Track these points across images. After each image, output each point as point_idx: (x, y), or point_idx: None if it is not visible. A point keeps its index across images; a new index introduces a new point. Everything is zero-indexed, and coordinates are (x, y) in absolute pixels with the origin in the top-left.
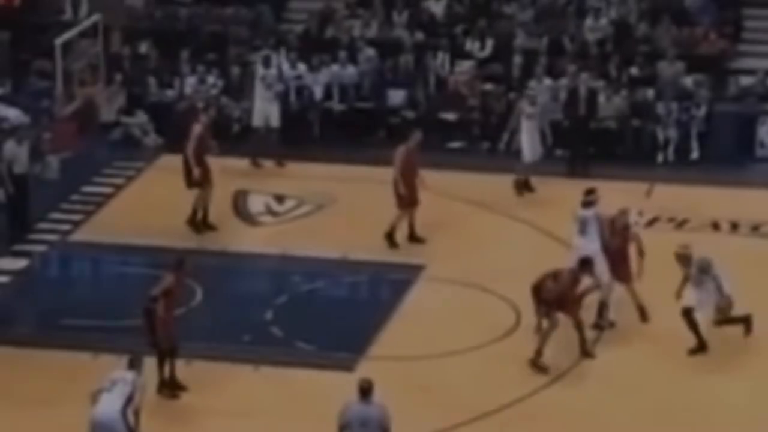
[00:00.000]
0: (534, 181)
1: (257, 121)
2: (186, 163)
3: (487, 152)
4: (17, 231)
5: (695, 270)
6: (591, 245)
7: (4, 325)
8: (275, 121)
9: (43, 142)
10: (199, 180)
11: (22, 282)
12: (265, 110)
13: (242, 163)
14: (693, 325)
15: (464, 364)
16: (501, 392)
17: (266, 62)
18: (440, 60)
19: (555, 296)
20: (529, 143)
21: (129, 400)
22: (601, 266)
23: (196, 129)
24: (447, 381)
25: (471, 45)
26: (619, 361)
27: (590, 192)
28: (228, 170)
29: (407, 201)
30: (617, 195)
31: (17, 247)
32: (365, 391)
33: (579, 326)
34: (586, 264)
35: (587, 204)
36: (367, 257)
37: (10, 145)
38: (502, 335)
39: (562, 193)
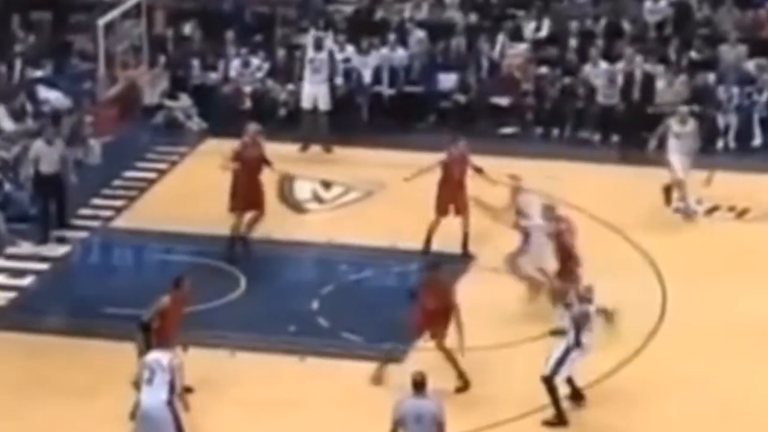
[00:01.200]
0: (586, 168)
1: (305, 103)
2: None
3: (541, 138)
4: (44, 232)
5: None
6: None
7: (44, 314)
8: (324, 104)
9: (85, 126)
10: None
11: (63, 269)
12: (313, 93)
13: (288, 148)
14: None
15: (517, 357)
16: None
17: (317, 45)
18: (497, 43)
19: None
20: (678, 162)
21: (172, 387)
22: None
23: (235, 151)
24: (498, 373)
25: (527, 27)
26: (673, 354)
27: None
28: (273, 155)
29: (436, 208)
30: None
31: (58, 233)
32: (419, 384)
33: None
34: (433, 266)
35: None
36: (417, 246)
37: (38, 145)
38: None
39: (615, 180)
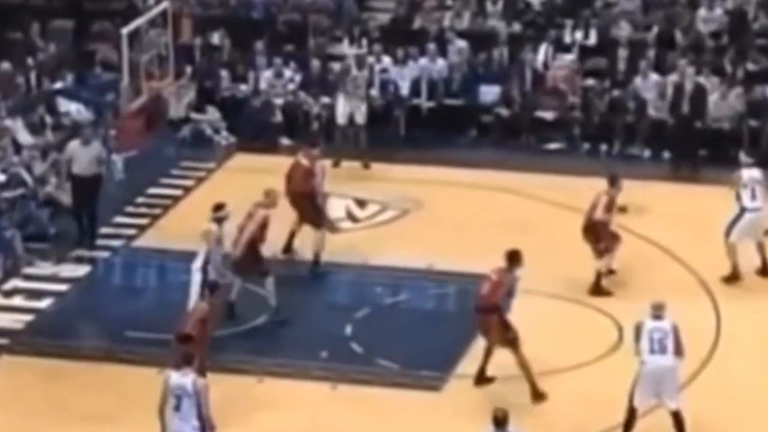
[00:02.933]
0: (635, 185)
1: (341, 119)
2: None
3: (588, 154)
4: (81, 237)
5: None
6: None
7: (64, 338)
8: (361, 117)
9: (108, 139)
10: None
11: (84, 291)
12: (351, 108)
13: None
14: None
15: (562, 384)
16: (604, 414)
17: (360, 63)
18: (541, 53)
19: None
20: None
21: (200, 412)
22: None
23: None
24: (552, 399)
25: (573, 35)
26: (730, 379)
27: (219, 207)
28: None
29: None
30: (729, 200)
31: (78, 253)
32: (500, 421)
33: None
34: None
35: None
36: (456, 267)
37: (73, 144)
38: (604, 353)
39: (665, 198)
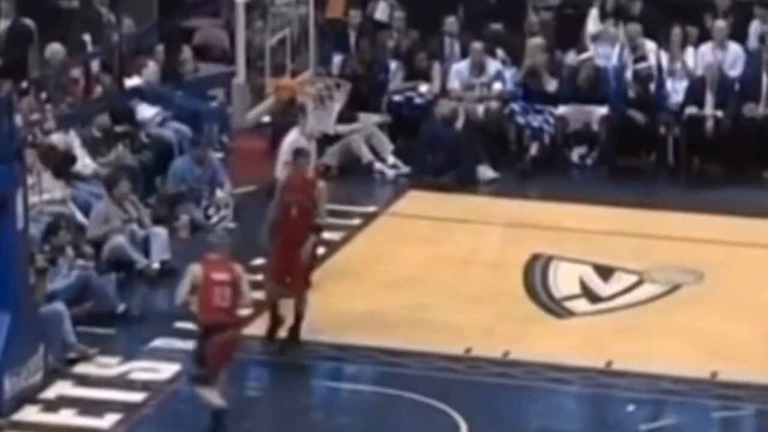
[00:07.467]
0: None
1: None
2: None
3: None
4: None
5: None
6: None
7: None
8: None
9: (213, 169)
10: None
11: (169, 404)
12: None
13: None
14: None
15: None
16: None
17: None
18: None
19: None
20: None
21: None
22: None
23: None
24: None
25: None
26: None
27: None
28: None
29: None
30: None
31: (159, 342)
32: None
33: None
34: None
35: None
36: (755, 377)
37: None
38: None
39: None
